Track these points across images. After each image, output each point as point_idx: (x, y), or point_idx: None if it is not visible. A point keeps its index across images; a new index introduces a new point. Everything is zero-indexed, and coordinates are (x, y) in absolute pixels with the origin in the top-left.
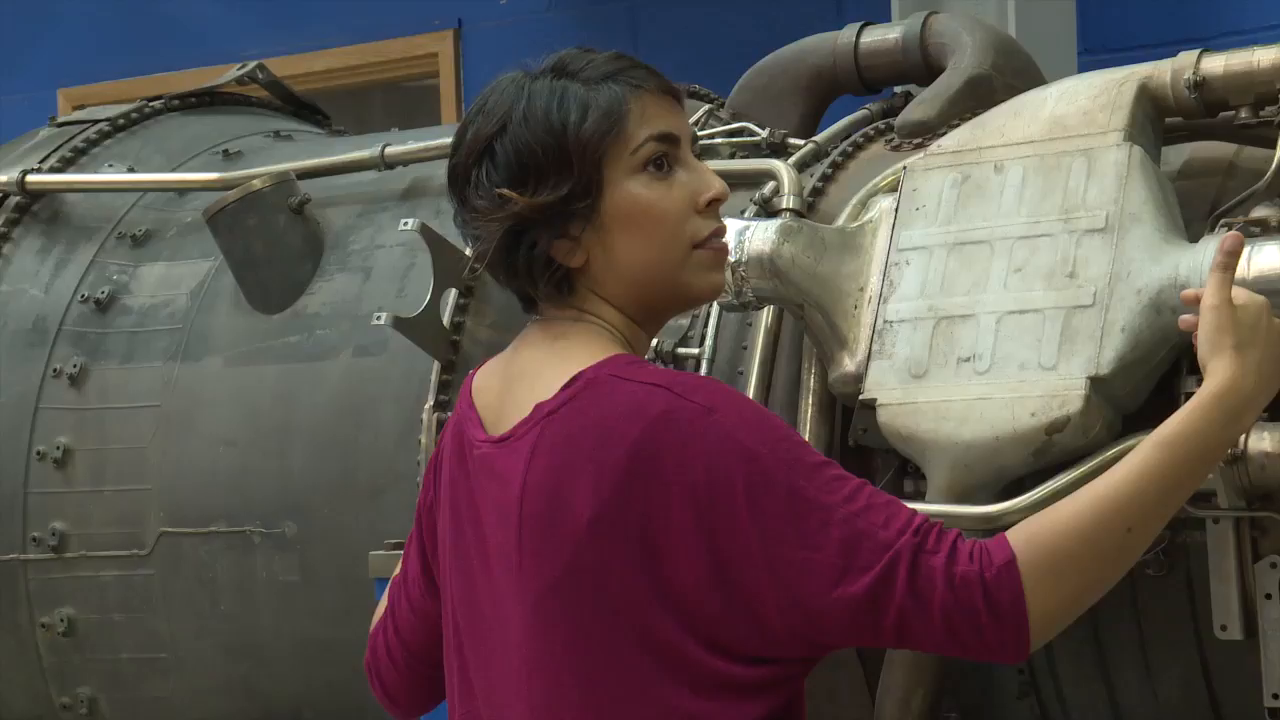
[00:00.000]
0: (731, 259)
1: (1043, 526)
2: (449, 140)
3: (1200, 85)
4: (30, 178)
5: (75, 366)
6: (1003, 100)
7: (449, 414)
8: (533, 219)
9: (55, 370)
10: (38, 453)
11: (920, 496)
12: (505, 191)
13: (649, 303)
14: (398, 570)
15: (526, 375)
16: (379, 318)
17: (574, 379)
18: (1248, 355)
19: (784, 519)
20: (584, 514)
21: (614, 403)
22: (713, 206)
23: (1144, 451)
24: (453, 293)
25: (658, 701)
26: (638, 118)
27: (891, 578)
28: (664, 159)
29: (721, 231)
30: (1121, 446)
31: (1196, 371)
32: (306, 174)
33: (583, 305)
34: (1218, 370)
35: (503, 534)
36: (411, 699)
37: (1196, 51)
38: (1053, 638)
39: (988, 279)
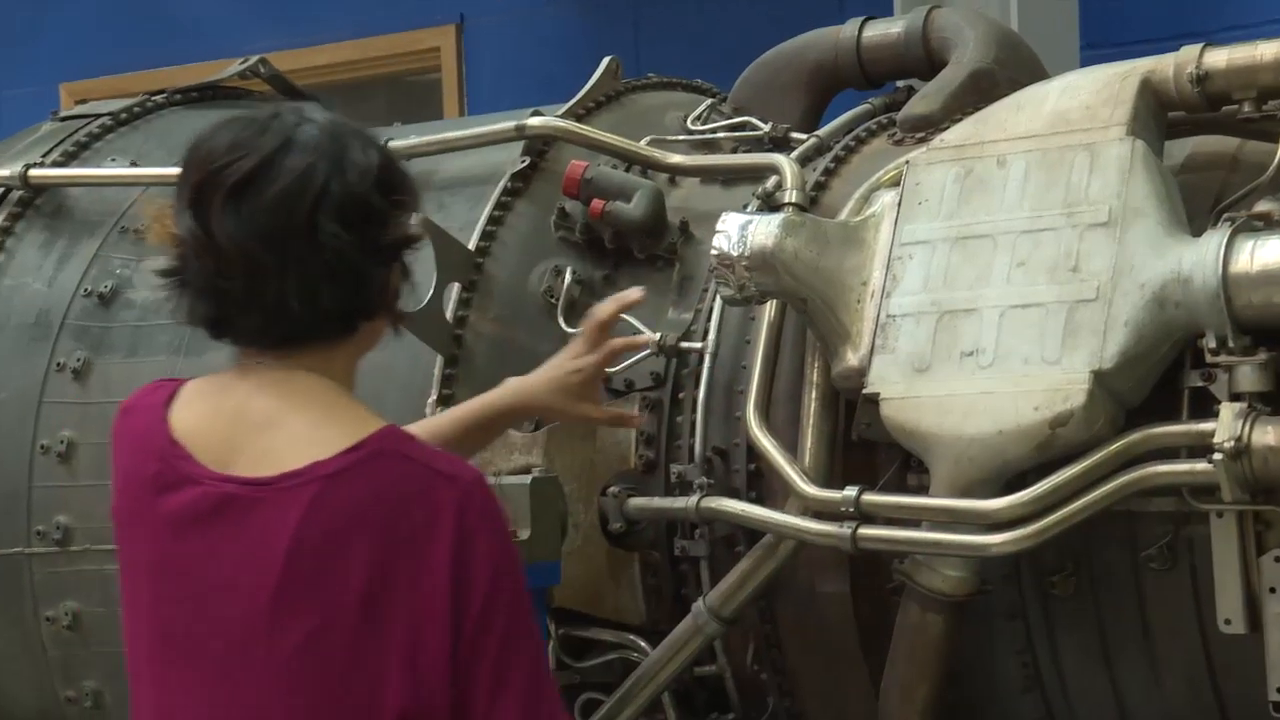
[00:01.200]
0: (734, 253)
1: None
2: (452, 134)
3: (1203, 79)
4: (33, 172)
5: (79, 360)
6: (1005, 95)
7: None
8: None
9: (59, 364)
10: (41, 446)
11: (924, 491)
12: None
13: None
14: None
15: (270, 424)
16: None
17: (358, 445)
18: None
19: (504, 641)
20: (358, 583)
21: (402, 482)
22: None
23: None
24: (456, 287)
25: None
26: None
27: None
28: None
29: None
30: (1125, 441)
31: (1200, 365)
32: None
33: (333, 356)
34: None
35: (243, 572)
36: None
37: (1199, 46)
38: None
39: (990, 273)
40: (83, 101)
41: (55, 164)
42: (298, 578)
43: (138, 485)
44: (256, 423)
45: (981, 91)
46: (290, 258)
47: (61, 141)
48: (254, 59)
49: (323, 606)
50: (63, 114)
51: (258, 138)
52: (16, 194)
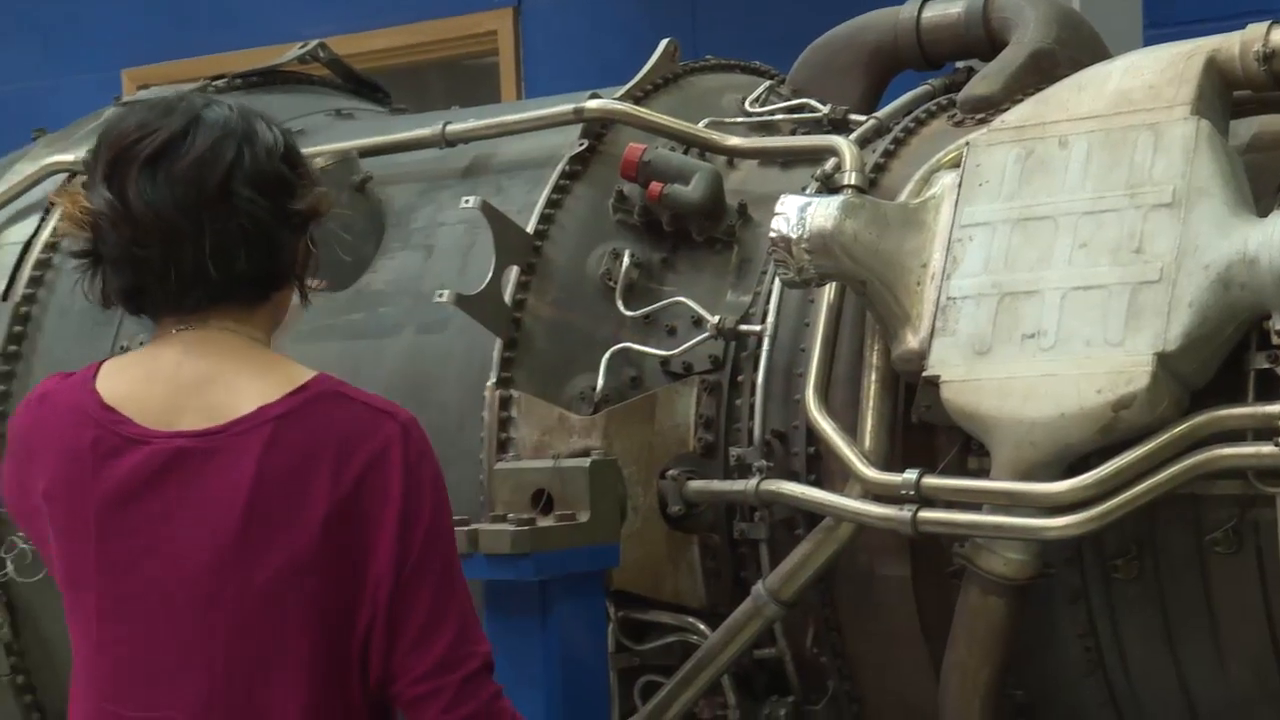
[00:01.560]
0: (793, 235)
1: None
2: (510, 118)
3: (1270, 58)
4: None
5: (141, 344)
6: (1067, 75)
7: (507, 391)
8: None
9: (123, 347)
10: None
11: (984, 474)
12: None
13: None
14: None
15: (208, 380)
16: (441, 295)
17: (301, 387)
18: None
19: (435, 571)
20: (318, 512)
21: (350, 419)
22: None
23: None
24: (514, 270)
25: (341, 695)
26: None
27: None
28: None
29: None
30: (1189, 424)
31: (1266, 347)
32: (368, 152)
33: (252, 316)
34: None
35: (214, 523)
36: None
37: (1266, 24)
38: None
39: (1052, 255)
40: (144, 87)
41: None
42: (261, 514)
43: (71, 459)
44: (195, 381)
45: (1043, 72)
46: (206, 223)
47: None
48: (313, 43)
49: (289, 540)
50: (125, 99)
51: (165, 117)
52: (81, 179)
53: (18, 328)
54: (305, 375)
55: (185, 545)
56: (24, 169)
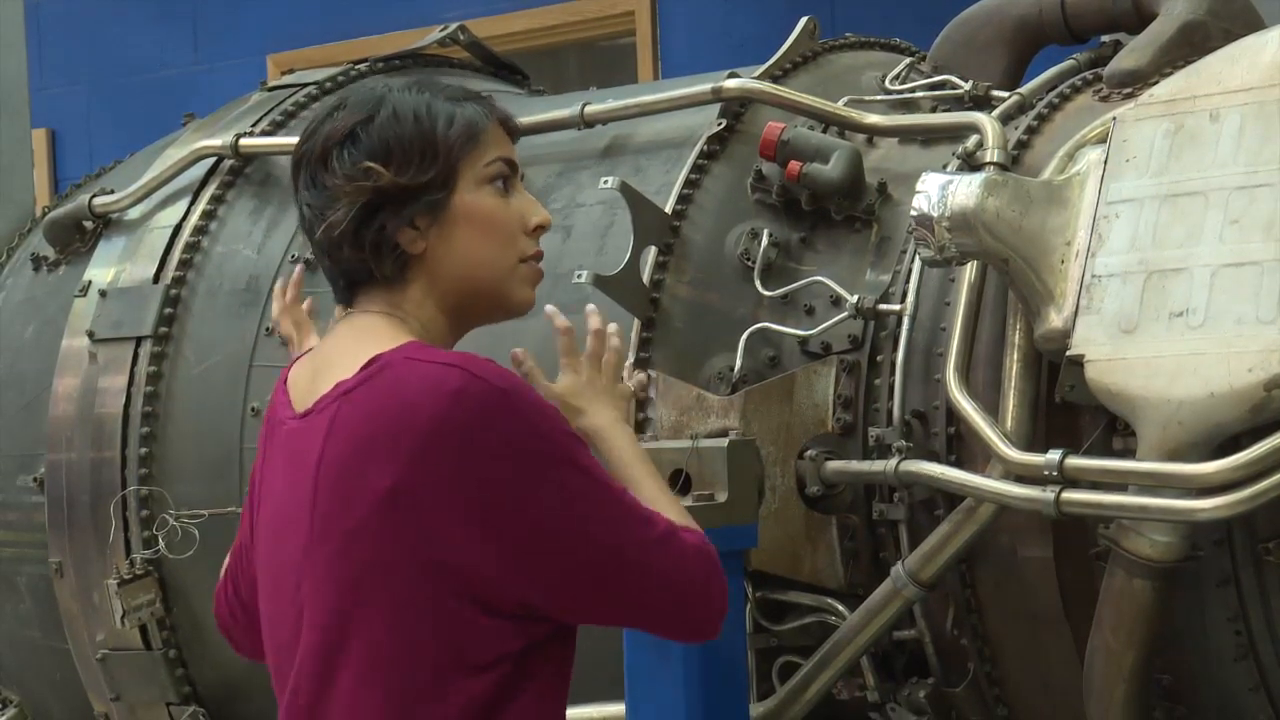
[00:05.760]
0: (934, 214)
1: None
2: (648, 98)
3: None
4: (243, 141)
5: None
6: (1218, 47)
7: (647, 371)
8: (388, 199)
9: (268, 329)
10: (253, 409)
11: (1130, 454)
12: (372, 165)
13: (468, 303)
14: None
15: (332, 363)
16: (580, 275)
17: (371, 361)
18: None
19: (561, 500)
20: (381, 484)
21: (411, 382)
22: (537, 232)
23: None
24: (653, 250)
25: (432, 663)
26: (491, 139)
27: (645, 539)
28: (505, 181)
29: (540, 256)
30: None
31: None
32: None
33: (403, 298)
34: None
35: (296, 502)
36: (258, 650)
37: None
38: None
39: (1202, 231)
40: (289, 72)
41: (264, 133)
42: (328, 492)
43: (261, 439)
44: (328, 364)
45: (1193, 44)
46: (309, 212)
47: (269, 111)
48: (453, 27)
49: (352, 513)
50: (270, 84)
51: (314, 125)
52: (228, 163)
53: (168, 310)
54: (390, 346)
55: (287, 526)
56: (174, 154)
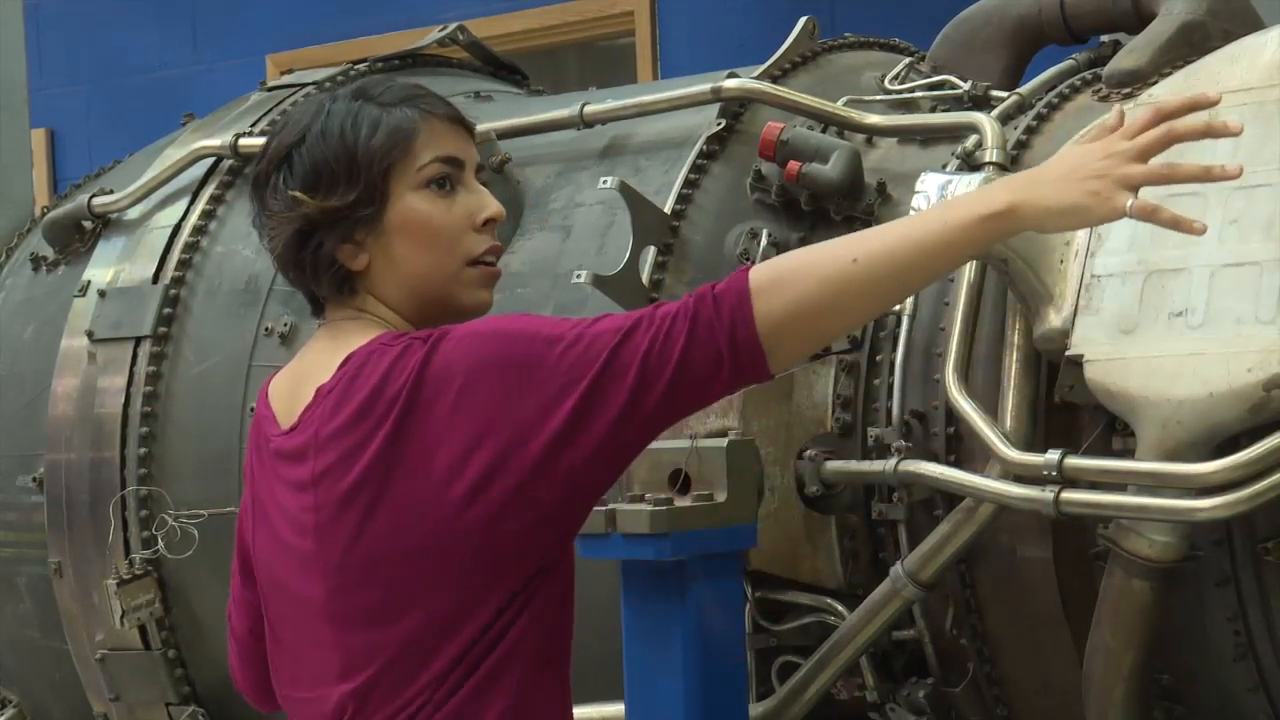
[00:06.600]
0: None
1: (779, 256)
2: (647, 99)
3: None
4: (243, 141)
5: (286, 325)
6: (1218, 47)
7: None
8: (321, 222)
9: (267, 329)
10: (251, 409)
11: (1130, 454)
12: (298, 195)
13: (421, 311)
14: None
15: (312, 372)
16: (579, 275)
17: (347, 359)
18: (1036, 189)
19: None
20: (371, 451)
21: (381, 364)
22: (489, 225)
23: (904, 221)
24: (652, 250)
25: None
26: (425, 139)
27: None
28: (447, 179)
29: (497, 251)
30: None
31: None
32: (507, 133)
33: (362, 305)
34: (1001, 195)
35: (297, 508)
36: (256, 687)
37: None
38: (790, 350)
39: None
40: (288, 72)
41: (263, 133)
42: (326, 487)
43: (253, 458)
44: (306, 374)
45: (1193, 44)
46: (261, 224)
47: (269, 111)
48: (452, 27)
49: (351, 502)
50: (269, 84)
51: (264, 145)
52: (227, 163)
53: (167, 310)
54: (362, 343)
55: (285, 539)
56: (173, 154)
